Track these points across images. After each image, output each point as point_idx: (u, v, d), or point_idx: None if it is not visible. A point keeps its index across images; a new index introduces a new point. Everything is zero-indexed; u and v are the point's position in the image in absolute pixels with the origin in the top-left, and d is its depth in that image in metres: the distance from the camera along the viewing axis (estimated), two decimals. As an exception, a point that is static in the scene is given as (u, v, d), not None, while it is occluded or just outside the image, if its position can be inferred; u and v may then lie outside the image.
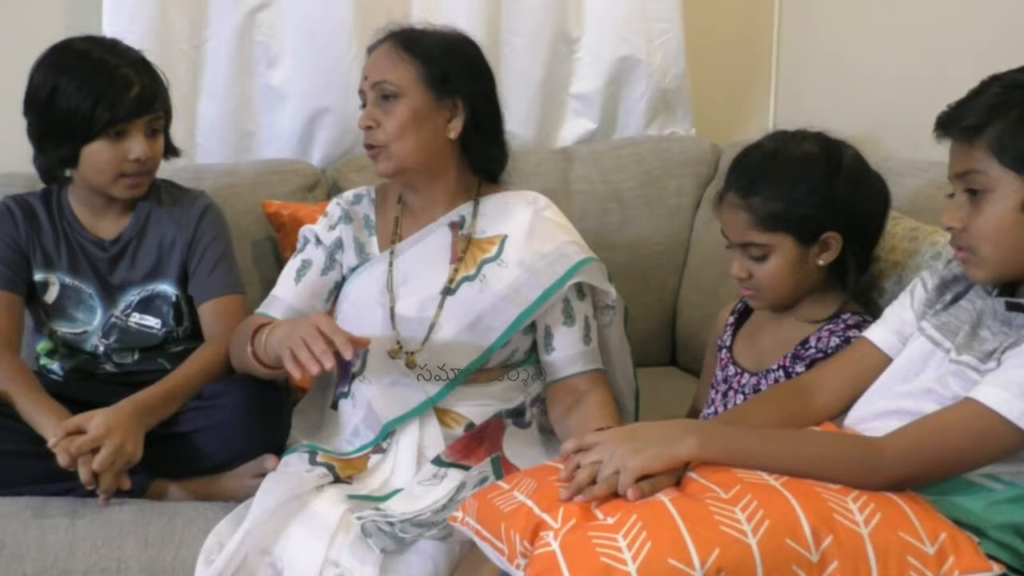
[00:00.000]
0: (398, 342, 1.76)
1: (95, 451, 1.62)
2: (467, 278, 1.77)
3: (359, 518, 1.55)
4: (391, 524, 1.53)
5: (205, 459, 1.71)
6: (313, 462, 1.70)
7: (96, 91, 1.79)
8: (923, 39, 2.36)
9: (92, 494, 1.65)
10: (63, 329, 1.91)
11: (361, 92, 1.78)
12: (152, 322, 1.92)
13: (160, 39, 2.26)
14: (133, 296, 1.91)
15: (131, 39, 2.03)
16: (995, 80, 1.33)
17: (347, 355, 1.55)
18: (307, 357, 1.54)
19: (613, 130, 2.57)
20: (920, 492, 1.27)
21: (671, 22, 2.50)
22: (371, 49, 1.81)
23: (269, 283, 1.95)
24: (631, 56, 2.50)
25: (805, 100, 2.62)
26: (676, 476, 1.30)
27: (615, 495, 1.28)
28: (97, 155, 1.82)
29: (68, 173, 1.90)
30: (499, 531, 1.33)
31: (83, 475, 1.62)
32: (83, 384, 1.89)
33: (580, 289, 1.79)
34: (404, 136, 1.73)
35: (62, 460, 1.61)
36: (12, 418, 1.71)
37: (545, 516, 1.27)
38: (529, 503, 1.31)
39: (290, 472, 1.67)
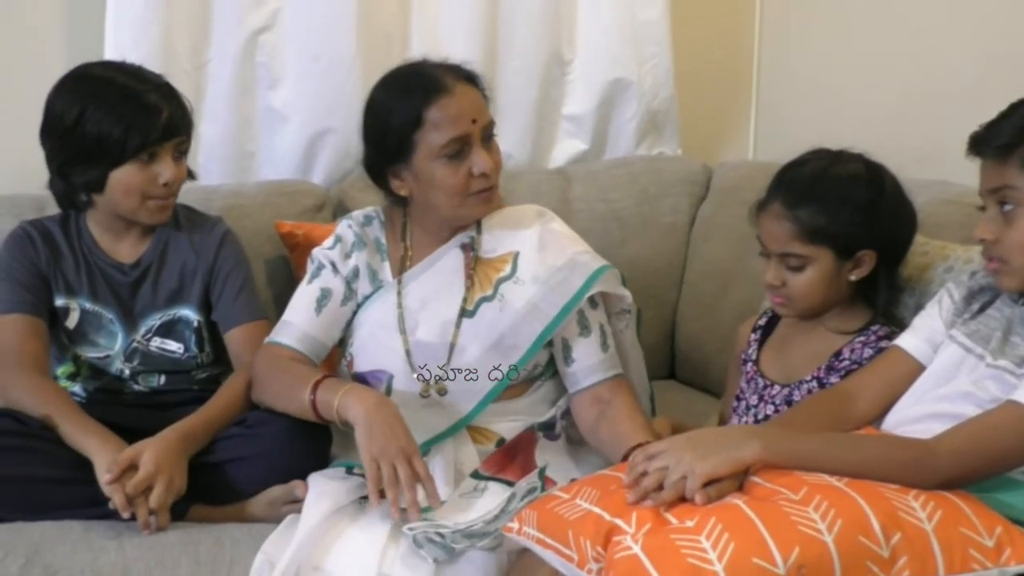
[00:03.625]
0: (423, 380, 1.78)
1: (147, 489, 1.63)
2: (485, 298, 1.81)
3: (410, 530, 1.57)
4: (441, 535, 1.56)
5: (249, 486, 1.72)
6: (350, 474, 1.71)
7: (126, 117, 1.79)
8: (896, 67, 2.48)
9: (133, 518, 1.65)
10: (87, 354, 1.91)
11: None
12: (174, 346, 1.92)
13: (162, 60, 2.25)
14: (154, 321, 1.92)
15: (134, 59, 2.02)
16: (1023, 103, 1.43)
17: (433, 502, 1.60)
18: (394, 499, 1.57)
19: (604, 150, 2.64)
20: (967, 490, 1.35)
21: (660, 46, 2.58)
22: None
23: (282, 301, 1.96)
24: (622, 79, 2.57)
25: (784, 123, 2.73)
26: (739, 481, 1.36)
27: (682, 500, 1.33)
28: (127, 179, 1.82)
29: (87, 198, 1.88)
30: (566, 538, 1.37)
31: (141, 517, 1.62)
32: (107, 406, 1.88)
33: (592, 298, 1.83)
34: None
35: (117, 501, 1.61)
36: (55, 443, 1.71)
37: (618, 521, 1.31)
38: (597, 510, 1.36)
39: (331, 486, 1.68)
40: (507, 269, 1.82)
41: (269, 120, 2.41)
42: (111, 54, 2.24)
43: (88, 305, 1.90)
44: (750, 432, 1.41)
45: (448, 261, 1.84)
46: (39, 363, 1.83)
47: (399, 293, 1.83)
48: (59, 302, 1.90)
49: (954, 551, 1.26)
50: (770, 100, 2.77)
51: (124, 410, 1.88)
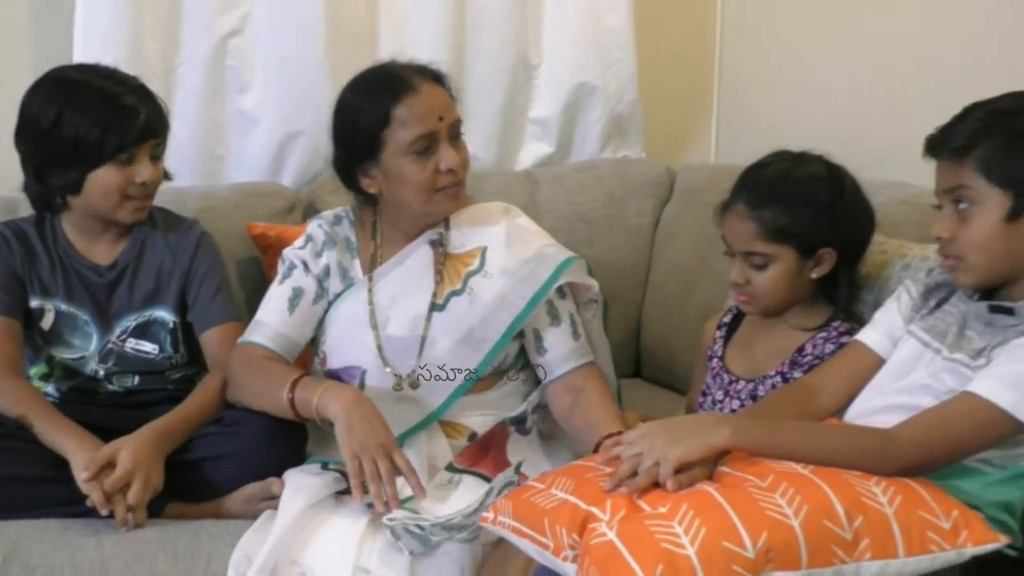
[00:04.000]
0: (395, 374, 1.82)
1: (125, 486, 1.65)
2: (455, 292, 1.85)
3: (391, 520, 1.60)
4: (421, 528, 1.60)
5: (226, 484, 1.75)
6: (326, 469, 1.74)
7: (104, 119, 1.81)
8: (853, 72, 2.55)
9: (110, 516, 1.67)
10: (61, 355, 1.92)
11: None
12: (149, 347, 1.94)
13: (132, 63, 2.26)
14: (129, 322, 1.93)
15: (104, 63, 2.04)
16: (977, 107, 1.49)
17: (420, 496, 1.63)
18: (376, 493, 1.60)
19: (569, 153, 2.69)
20: (926, 478, 1.41)
21: (624, 51, 2.63)
22: None
23: (254, 302, 1.98)
24: (587, 83, 2.62)
25: (744, 126, 2.79)
26: (710, 470, 1.40)
27: (655, 486, 1.37)
28: (105, 180, 1.84)
29: (63, 200, 1.89)
30: (542, 526, 1.41)
31: (119, 514, 1.64)
32: (80, 406, 1.89)
33: (560, 288, 1.88)
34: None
35: (95, 498, 1.63)
36: (32, 442, 1.72)
37: (593, 509, 1.36)
38: (572, 499, 1.40)
39: (307, 481, 1.70)
40: (476, 263, 1.86)
41: (239, 123, 2.44)
42: (80, 58, 2.25)
43: (63, 306, 1.91)
44: (720, 419, 1.47)
45: (417, 258, 1.88)
46: (13, 364, 1.84)
47: (370, 290, 1.87)
48: (34, 303, 1.90)
49: (913, 534, 1.32)
50: (731, 104, 2.83)
51: (98, 410, 1.89)
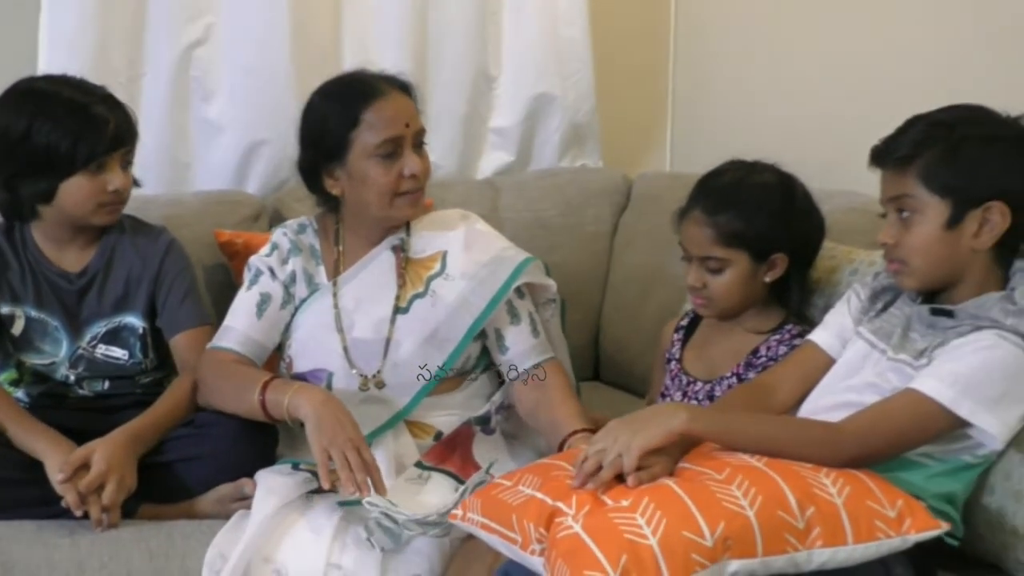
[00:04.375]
0: (361, 375, 1.87)
1: (99, 487, 1.68)
2: (418, 295, 1.91)
3: (370, 503, 1.64)
4: (395, 521, 1.64)
5: (198, 485, 1.78)
6: (296, 469, 1.78)
7: (75, 129, 1.83)
8: (803, 85, 2.63)
9: (84, 516, 1.70)
10: (31, 360, 1.94)
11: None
12: (119, 353, 1.96)
13: (97, 73, 2.27)
14: (99, 328, 1.95)
15: (69, 72, 2.06)
16: (919, 119, 1.57)
17: (380, 492, 1.66)
18: (347, 478, 1.63)
19: (529, 162, 2.75)
20: (873, 470, 1.49)
21: (582, 62, 2.70)
22: None
23: (223, 309, 2.02)
24: (546, 93, 2.69)
25: (699, 136, 2.87)
26: (671, 467, 1.46)
27: (619, 479, 1.43)
28: (77, 189, 1.86)
29: (33, 209, 1.91)
30: (510, 522, 1.47)
31: (94, 514, 1.67)
32: (51, 411, 1.91)
33: (519, 288, 1.95)
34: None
35: (70, 499, 1.66)
36: (4, 445, 1.75)
37: (559, 504, 1.41)
38: (539, 495, 1.46)
39: (279, 481, 1.75)
40: (437, 267, 1.92)
41: (204, 131, 2.47)
42: (45, 68, 2.27)
43: (33, 313, 1.93)
44: (677, 406, 1.56)
45: (380, 263, 1.94)
46: None
47: (335, 295, 1.92)
48: (4, 310, 1.93)
49: (861, 522, 1.39)
50: (686, 115, 2.92)
51: (68, 414, 1.92)
